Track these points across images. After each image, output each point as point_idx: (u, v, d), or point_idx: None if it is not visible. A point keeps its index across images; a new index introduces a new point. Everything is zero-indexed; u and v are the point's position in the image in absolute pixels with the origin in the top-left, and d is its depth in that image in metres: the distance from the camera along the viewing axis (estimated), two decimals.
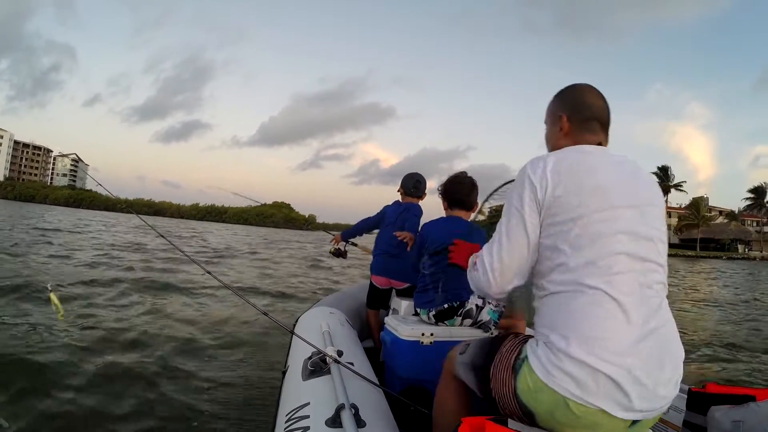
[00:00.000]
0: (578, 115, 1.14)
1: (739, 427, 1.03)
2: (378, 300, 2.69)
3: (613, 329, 0.86)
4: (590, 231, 0.93)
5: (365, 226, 2.92)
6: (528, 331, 1.24)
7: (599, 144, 1.12)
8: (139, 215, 2.75)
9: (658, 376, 0.86)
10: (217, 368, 2.95)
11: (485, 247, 1.06)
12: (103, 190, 3.01)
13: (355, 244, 3.22)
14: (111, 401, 2.30)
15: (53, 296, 2.07)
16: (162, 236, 2.44)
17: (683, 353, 0.93)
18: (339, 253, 3.13)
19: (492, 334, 1.79)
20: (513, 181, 1.87)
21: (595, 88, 1.18)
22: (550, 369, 0.87)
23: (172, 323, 4.02)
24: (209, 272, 2.08)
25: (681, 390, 1.62)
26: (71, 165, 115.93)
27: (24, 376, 2.49)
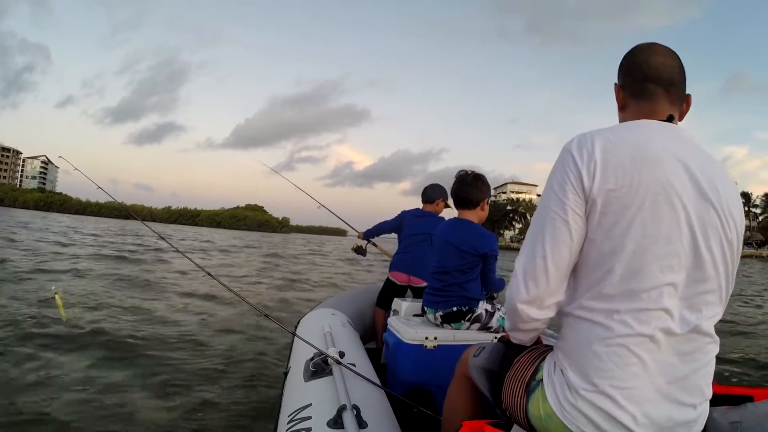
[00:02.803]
0: (630, 80, 0.90)
1: (737, 428, 1.03)
2: (391, 298, 2.70)
3: (644, 378, 0.75)
4: (641, 249, 0.74)
5: (385, 227, 3.06)
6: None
7: (670, 117, 0.85)
8: (145, 223, 2.76)
9: (682, 420, 0.77)
10: (218, 369, 2.96)
11: (521, 249, 0.85)
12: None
13: (374, 245, 3.34)
14: (111, 402, 2.31)
15: (58, 298, 2.21)
16: (166, 241, 2.45)
17: (711, 391, 0.82)
18: (360, 251, 3.27)
19: (495, 338, 1.76)
20: None
21: (658, 45, 0.90)
22: (563, 403, 0.79)
23: (172, 325, 4.03)
24: (210, 274, 2.09)
25: None
26: (41, 167, 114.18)
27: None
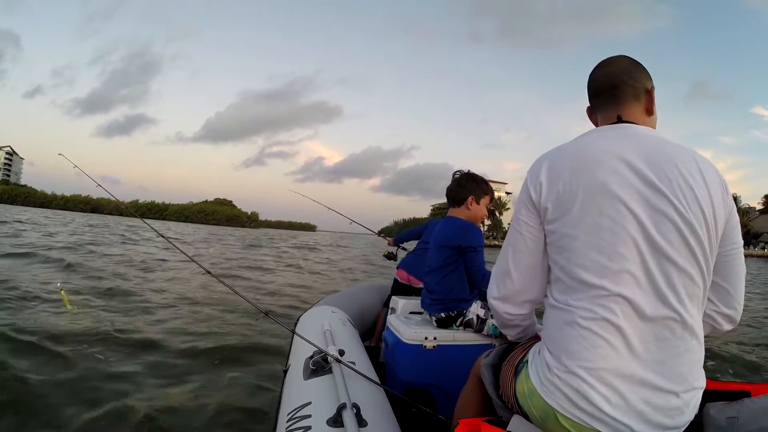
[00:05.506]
0: (589, 100, 1.02)
1: (734, 423, 1.04)
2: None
3: (614, 361, 0.78)
4: (588, 242, 0.82)
5: (413, 234, 3.17)
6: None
7: (619, 118, 0.93)
8: (147, 222, 2.76)
9: (663, 406, 0.78)
10: (217, 368, 2.96)
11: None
12: (105, 193, 3.05)
13: (405, 249, 3.42)
14: (111, 402, 2.31)
15: (63, 293, 2.22)
16: (164, 237, 2.45)
17: (703, 382, 0.84)
18: (391, 257, 3.39)
19: (495, 343, 1.76)
20: None
21: (603, 60, 0.99)
22: (542, 379, 0.86)
23: (169, 323, 4.02)
24: (209, 272, 2.10)
25: None
26: (5, 158, 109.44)
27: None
